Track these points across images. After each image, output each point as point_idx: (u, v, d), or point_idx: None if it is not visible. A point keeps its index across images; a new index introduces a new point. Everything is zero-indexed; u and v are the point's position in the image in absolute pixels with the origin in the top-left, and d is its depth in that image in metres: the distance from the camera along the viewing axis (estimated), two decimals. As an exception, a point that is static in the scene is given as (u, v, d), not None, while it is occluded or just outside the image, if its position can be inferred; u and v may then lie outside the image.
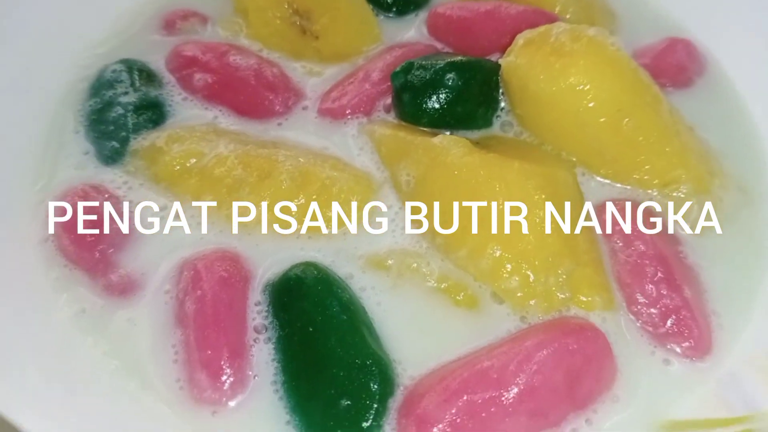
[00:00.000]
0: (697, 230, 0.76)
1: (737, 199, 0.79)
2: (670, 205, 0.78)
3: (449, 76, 0.80)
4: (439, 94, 0.80)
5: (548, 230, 0.69)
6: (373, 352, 0.64)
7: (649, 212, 0.76)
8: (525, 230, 0.68)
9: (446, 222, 0.72)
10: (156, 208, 0.78)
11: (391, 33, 0.97)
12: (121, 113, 0.84)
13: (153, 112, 0.85)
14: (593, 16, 0.96)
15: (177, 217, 0.77)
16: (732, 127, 0.87)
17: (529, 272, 0.68)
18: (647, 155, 0.77)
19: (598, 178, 0.79)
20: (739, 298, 0.72)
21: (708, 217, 0.77)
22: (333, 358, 0.64)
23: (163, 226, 0.76)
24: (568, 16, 0.94)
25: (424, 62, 0.82)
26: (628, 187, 0.79)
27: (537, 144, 0.81)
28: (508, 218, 0.69)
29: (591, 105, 0.75)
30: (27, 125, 0.83)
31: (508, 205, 0.69)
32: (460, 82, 0.80)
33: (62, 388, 0.62)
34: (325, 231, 0.75)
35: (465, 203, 0.71)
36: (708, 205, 0.77)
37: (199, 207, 0.77)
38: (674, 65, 0.91)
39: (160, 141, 0.81)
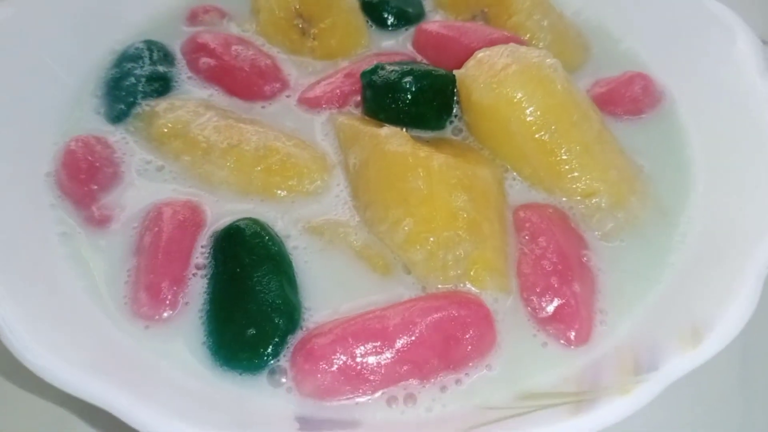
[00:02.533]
0: (606, 239, 0.84)
1: (653, 218, 0.86)
2: (587, 213, 0.85)
3: (407, 80, 0.91)
4: (396, 94, 0.91)
5: (456, 215, 0.78)
6: (285, 295, 0.75)
7: (563, 217, 0.84)
8: (435, 212, 0.78)
9: (375, 201, 0.83)
10: (143, 162, 0.92)
11: (381, 43, 1.09)
12: (133, 82, 0.99)
13: (160, 85, 0.99)
14: (565, 48, 1.05)
15: (159, 169, 0.91)
16: (668, 157, 0.94)
17: (432, 248, 0.77)
18: (569, 167, 0.85)
19: (526, 185, 0.88)
20: (627, 301, 0.79)
21: (618, 230, 0.84)
22: (250, 294, 0.75)
23: (145, 176, 0.90)
24: (540, 45, 1.04)
25: (390, 66, 0.93)
26: (553, 195, 0.87)
27: (478, 148, 0.91)
28: (423, 201, 0.79)
29: (520, 117, 0.84)
30: (58, 82, 0.98)
31: (425, 189, 0.79)
32: (415, 87, 0.90)
33: (32, 287, 0.75)
34: (276, 196, 0.87)
35: (392, 185, 0.81)
36: (620, 220, 0.85)
37: (178, 164, 0.90)
38: (628, 96, 0.99)
39: (158, 108, 0.95)
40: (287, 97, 1.00)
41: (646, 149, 0.94)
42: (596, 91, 1.01)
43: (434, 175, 0.80)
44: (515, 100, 0.84)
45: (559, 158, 0.85)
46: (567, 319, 0.75)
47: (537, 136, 0.84)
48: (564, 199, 0.87)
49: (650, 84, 1.01)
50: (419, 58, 1.06)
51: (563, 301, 0.76)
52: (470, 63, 0.91)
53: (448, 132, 0.95)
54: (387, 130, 0.86)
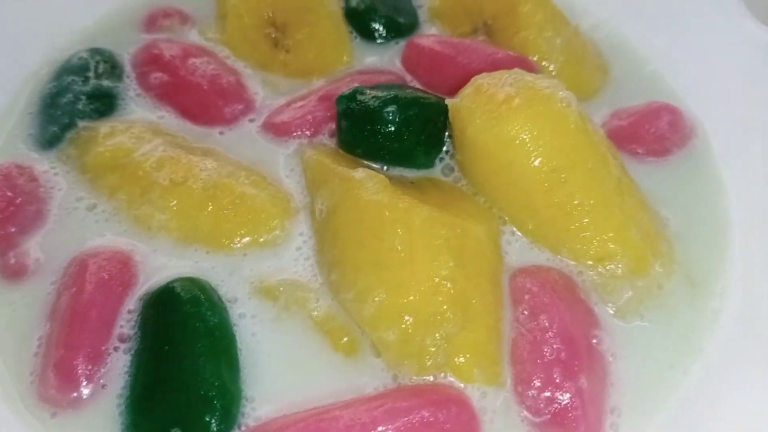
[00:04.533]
0: (622, 315, 0.69)
1: (680, 289, 0.71)
2: (600, 282, 0.70)
3: (389, 109, 0.75)
4: (375, 126, 0.75)
5: (439, 285, 0.63)
6: (222, 384, 0.61)
7: (571, 286, 0.69)
8: (414, 281, 0.63)
9: (342, 260, 0.68)
10: (73, 199, 0.77)
11: (365, 58, 0.94)
12: (71, 100, 0.84)
13: (102, 104, 0.85)
14: (580, 71, 0.90)
15: (90, 208, 0.76)
16: (700, 210, 0.79)
17: (408, 328, 0.63)
18: (581, 224, 0.70)
19: (527, 241, 0.73)
20: (648, 398, 0.64)
21: (637, 304, 0.69)
22: (180, 382, 0.61)
23: (73, 217, 0.75)
24: (551, 67, 0.88)
25: (371, 91, 0.78)
26: (559, 256, 0.72)
27: (472, 194, 0.76)
28: (400, 267, 0.64)
29: (523, 161, 0.69)
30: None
31: (404, 251, 0.64)
32: (399, 117, 0.75)
33: None
34: (225, 247, 0.72)
35: (364, 243, 0.67)
36: (640, 291, 0.70)
37: (112, 203, 0.76)
38: (652, 132, 0.84)
39: (96, 132, 0.81)
40: (250, 121, 0.85)
41: (673, 199, 0.79)
42: (615, 123, 0.85)
43: (415, 233, 0.65)
44: (518, 141, 0.69)
45: (568, 213, 0.70)
46: (570, 424, 0.61)
47: (543, 185, 0.69)
48: (574, 262, 0.71)
49: (679, 118, 0.85)
50: (408, 78, 0.90)
51: (566, 400, 0.61)
52: (466, 91, 0.75)
53: (437, 171, 0.80)
54: (361, 173, 0.71)
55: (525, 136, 0.69)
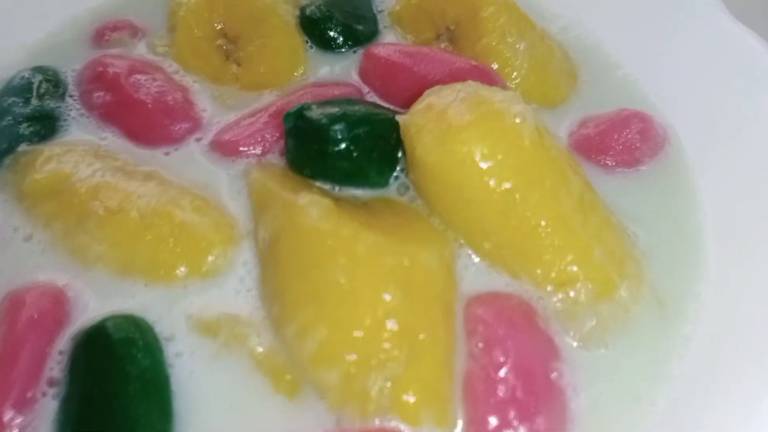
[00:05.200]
0: (585, 344, 0.65)
1: (649, 313, 0.67)
2: (562, 308, 0.66)
3: (337, 126, 0.71)
4: (321, 144, 0.71)
5: (384, 320, 0.59)
6: (152, 429, 0.57)
7: (530, 314, 0.65)
8: (358, 316, 0.59)
9: (283, 293, 0.64)
10: (10, 229, 0.73)
11: (321, 69, 0.89)
12: (10, 123, 0.80)
13: (43, 126, 0.81)
14: (546, 78, 0.85)
15: (27, 239, 0.72)
16: (672, 225, 0.74)
17: (350, 368, 0.58)
18: (539, 247, 0.66)
19: (486, 265, 0.69)
20: (610, 434, 0.60)
21: (601, 332, 0.65)
22: (108, 429, 0.57)
23: (9, 249, 0.72)
24: (515, 74, 0.84)
25: (318, 107, 0.74)
26: (519, 280, 0.68)
27: (427, 215, 0.72)
28: (342, 300, 0.60)
29: (476, 181, 0.65)
30: None
31: (346, 284, 0.60)
32: (347, 135, 0.71)
33: None
34: (163, 279, 0.68)
35: (305, 274, 0.62)
36: (605, 317, 0.65)
37: (49, 233, 0.72)
38: (622, 142, 0.79)
39: (36, 157, 0.77)
40: (197, 140, 0.81)
41: (643, 214, 0.75)
42: (583, 133, 0.81)
43: (359, 263, 0.61)
44: (469, 160, 0.64)
45: (526, 235, 0.66)
46: (524, 470, 0.56)
47: (498, 206, 0.65)
48: (534, 287, 0.67)
49: (651, 126, 0.80)
50: (366, 90, 0.86)
51: (521, 442, 0.57)
52: (417, 106, 0.71)
53: (392, 189, 0.75)
54: (305, 197, 0.67)
55: (476, 155, 0.64)
